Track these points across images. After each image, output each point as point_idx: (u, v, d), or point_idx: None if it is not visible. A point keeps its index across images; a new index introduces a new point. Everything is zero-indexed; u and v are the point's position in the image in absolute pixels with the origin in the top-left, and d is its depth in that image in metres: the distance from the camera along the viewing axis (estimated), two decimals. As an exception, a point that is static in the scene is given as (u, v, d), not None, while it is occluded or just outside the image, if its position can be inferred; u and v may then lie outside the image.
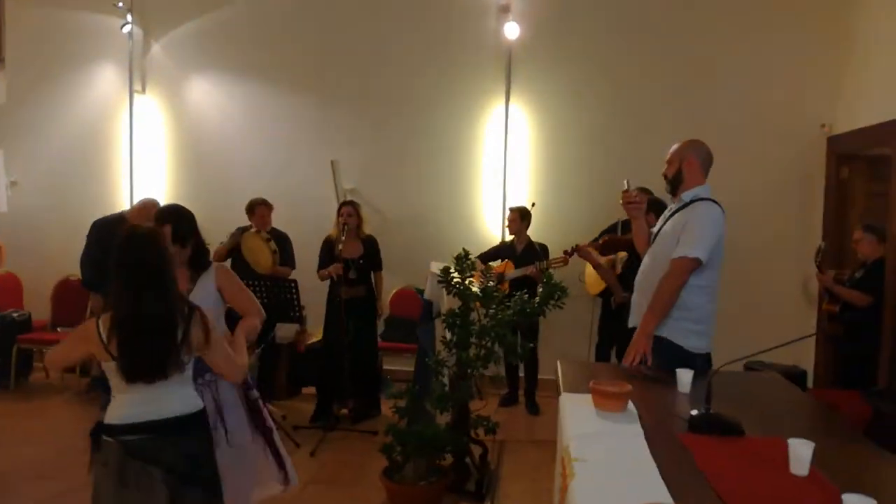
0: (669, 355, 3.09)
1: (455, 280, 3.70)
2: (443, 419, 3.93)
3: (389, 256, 6.33)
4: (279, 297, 4.92)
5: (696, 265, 3.08)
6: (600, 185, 5.86)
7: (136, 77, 6.89)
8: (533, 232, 6.00)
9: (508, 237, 6.17)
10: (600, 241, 5.28)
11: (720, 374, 2.54)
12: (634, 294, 3.37)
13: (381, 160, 6.63)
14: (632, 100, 6.26)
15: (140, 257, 2.32)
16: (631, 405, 2.51)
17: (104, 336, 2.28)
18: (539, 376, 6.11)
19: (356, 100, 6.63)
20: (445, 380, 3.69)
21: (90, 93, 6.98)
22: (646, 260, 3.35)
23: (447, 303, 3.90)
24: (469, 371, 3.62)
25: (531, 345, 3.81)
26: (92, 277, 5.45)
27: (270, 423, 3.15)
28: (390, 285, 6.43)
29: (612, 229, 5.75)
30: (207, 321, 2.41)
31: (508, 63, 6.41)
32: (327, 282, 5.39)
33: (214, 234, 5.85)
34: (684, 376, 2.81)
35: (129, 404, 2.33)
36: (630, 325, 3.35)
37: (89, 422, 2.44)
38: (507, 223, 5.99)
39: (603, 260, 5.31)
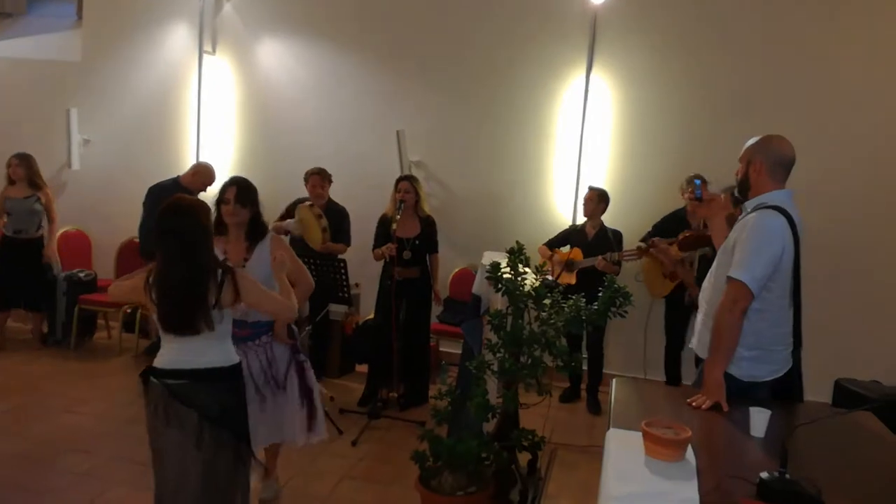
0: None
1: (505, 277, 3.32)
2: (489, 424, 3.61)
3: (453, 234, 6.03)
4: (328, 275, 4.67)
5: (746, 291, 2.62)
6: (682, 171, 5.29)
7: (207, 37, 6.74)
8: (608, 217, 5.53)
9: (580, 220, 5.72)
10: (680, 238, 4.76)
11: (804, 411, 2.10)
12: (699, 312, 2.93)
13: (450, 132, 6.25)
14: (724, 82, 5.62)
15: (174, 227, 2.57)
16: (690, 452, 2.10)
17: (149, 289, 2.60)
18: (604, 370, 5.69)
19: (427, 67, 6.25)
20: (487, 387, 3.34)
21: (162, 53, 6.88)
22: (708, 275, 2.90)
23: (495, 300, 3.53)
24: (513, 381, 3.26)
25: (581, 356, 3.37)
26: (148, 246, 5.38)
27: (313, 382, 3.52)
28: (452, 265, 6.11)
29: (674, 219, 5.22)
30: (238, 280, 2.62)
31: (593, 28, 5.86)
32: (383, 261, 5.12)
33: (279, 198, 5.68)
34: (758, 418, 2.37)
35: (173, 351, 2.63)
36: (691, 345, 2.94)
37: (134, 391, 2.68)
38: (583, 202, 5.52)
39: (678, 256, 4.81)
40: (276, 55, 6.63)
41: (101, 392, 5.13)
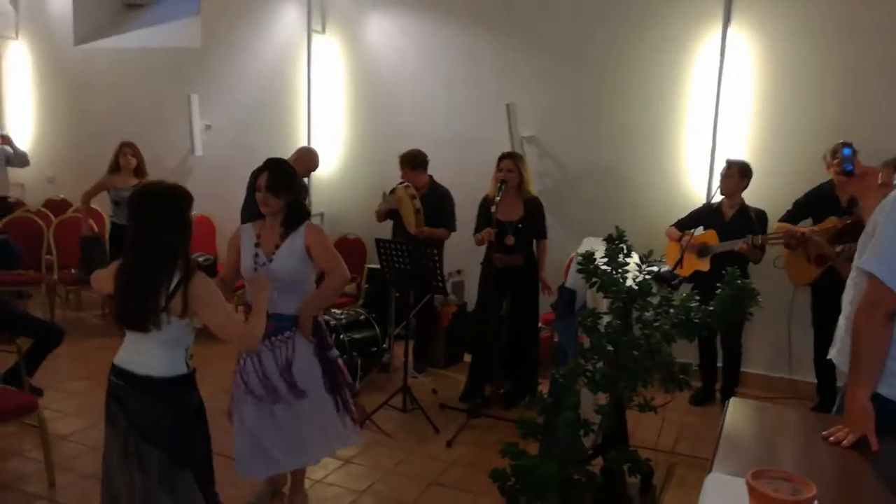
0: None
1: (601, 269, 2.80)
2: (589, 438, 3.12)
3: (569, 216, 5.51)
4: (420, 263, 4.34)
5: (886, 289, 1.97)
6: (836, 140, 4.44)
7: (316, 16, 6.59)
8: (748, 194, 4.78)
9: (716, 198, 4.99)
10: (840, 226, 3.97)
11: None
12: (841, 316, 2.29)
13: (566, 103, 5.69)
14: (887, 34, 4.66)
15: (136, 212, 2.37)
16: (815, 518, 1.55)
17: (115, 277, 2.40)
18: (742, 369, 4.98)
19: (540, 34, 5.72)
20: (581, 398, 2.86)
21: (273, 34, 6.83)
22: (852, 269, 2.25)
23: (591, 297, 3.03)
24: (614, 395, 2.75)
25: (695, 368, 2.77)
26: None
27: (346, 379, 3.21)
28: (568, 250, 5.57)
29: (820, 194, 4.40)
30: (192, 289, 2.33)
31: (731, -25, 5.08)
32: (486, 247, 4.71)
33: (387, 180, 5.43)
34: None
35: (123, 349, 2.44)
36: (829, 356, 2.32)
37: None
38: (721, 179, 4.79)
39: (834, 249, 4.03)
40: (384, 31, 6.36)
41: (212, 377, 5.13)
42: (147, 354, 2.38)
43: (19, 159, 7.03)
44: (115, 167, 6.02)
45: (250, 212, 5.19)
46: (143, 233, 2.36)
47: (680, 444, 4.27)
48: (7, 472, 3.70)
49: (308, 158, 5.50)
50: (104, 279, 2.50)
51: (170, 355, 2.40)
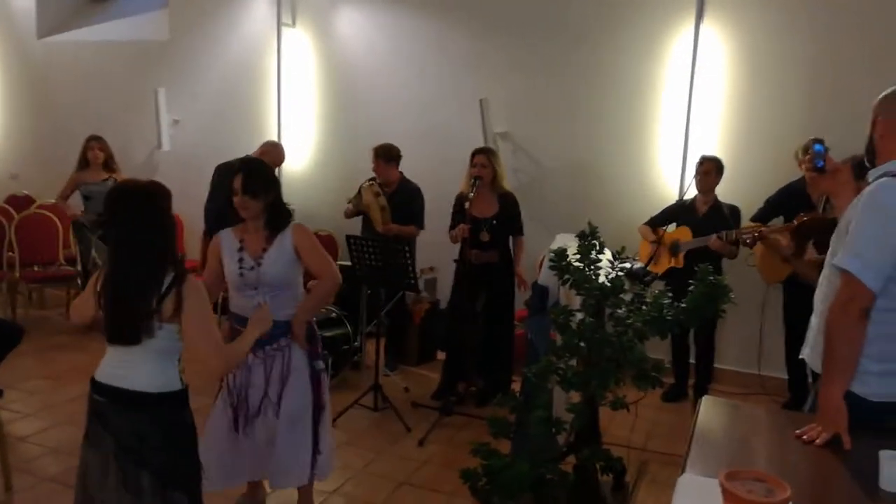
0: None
1: (573, 266, 2.77)
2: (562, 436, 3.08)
3: (543, 212, 5.47)
4: (392, 261, 4.27)
5: (861, 285, 1.95)
6: (807, 135, 4.46)
7: (286, 9, 6.47)
8: (720, 190, 4.78)
9: (688, 194, 4.98)
10: (795, 223, 3.97)
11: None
12: (813, 315, 2.27)
13: (538, 99, 5.65)
14: (859, 30, 4.69)
15: (115, 213, 2.22)
16: (788, 519, 1.52)
17: (98, 289, 2.24)
18: (716, 365, 4.99)
19: (513, 28, 5.67)
20: (553, 397, 2.82)
21: (242, 27, 6.70)
22: (824, 267, 2.24)
23: (564, 294, 2.99)
24: (586, 393, 2.71)
25: (667, 366, 2.74)
26: (213, 226, 5.16)
27: (325, 399, 3.08)
28: (542, 246, 5.53)
29: (790, 192, 4.42)
30: (185, 291, 2.18)
31: (703, -31, 5.08)
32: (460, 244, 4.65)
33: (360, 175, 5.33)
34: (893, 466, 1.73)
35: (106, 363, 2.27)
36: (802, 356, 2.30)
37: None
38: (698, 176, 4.75)
39: (790, 249, 4.03)
40: (355, 24, 6.27)
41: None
42: (136, 368, 2.20)
43: None
44: (83, 162, 5.90)
45: (214, 209, 5.12)
46: (123, 235, 2.19)
47: (652, 441, 4.26)
48: (-38, 476, 3.57)
49: (274, 153, 5.36)
50: (82, 303, 2.36)
51: (162, 368, 2.23)
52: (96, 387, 2.24)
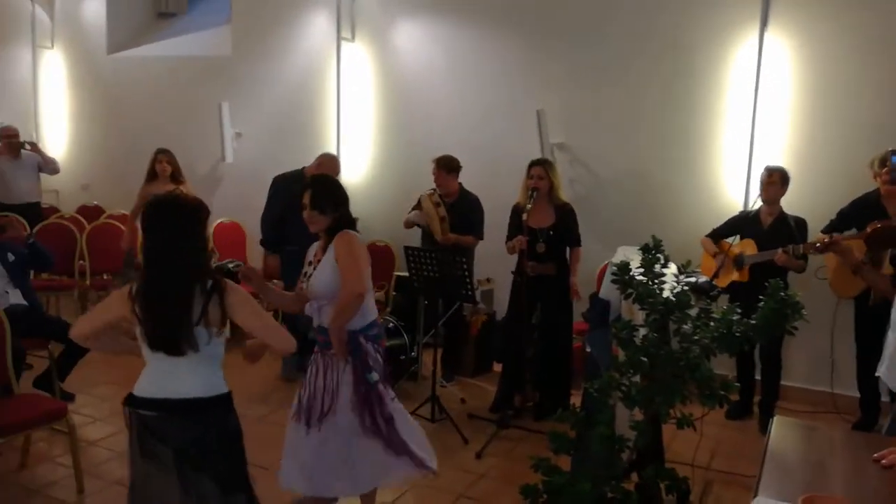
0: None
1: (636, 280, 2.71)
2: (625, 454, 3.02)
3: (601, 224, 5.42)
4: (449, 272, 4.28)
5: None
6: (879, 146, 4.30)
7: (346, 24, 6.58)
8: (786, 202, 4.64)
9: (754, 206, 4.84)
10: (868, 231, 3.81)
11: None
12: (890, 329, 2.18)
13: (597, 110, 5.60)
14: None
15: (158, 224, 2.28)
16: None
17: (133, 300, 2.25)
18: (783, 382, 4.83)
19: (572, 39, 5.64)
20: (616, 413, 2.77)
21: (303, 42, 6.84)
22: None
23: (627, 308, 2.94)
24: (650, 410, 2.65)
25: (737, 384, 2.64)
26: (269, 236, 5.25)
27: (388, 410, 2.98)
28: (600, 258, 5.47)
29: (865, 204, 4.24)
30: (227, 296, 2.24)
31: (767, -21, 4.96)
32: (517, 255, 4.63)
33: (417, 187, 5.35)
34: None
35: (149, 377, 2.30)
36: (878, 373, 2.21)
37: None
38: (763, 186, 4.59)
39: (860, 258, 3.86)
40: (413, 38, 6.33)
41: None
42: (185, 376, 2.25)
43: (49, 166, 7.11)
44: (152, 175, 6.07)
45: (270, 219, 5.20)
46: (159, 245, 2.26)
47: (717, 460, 4.14)
48: (37, 478, 3.71)
49: (329, 165, 5.35)
50: (100, 312, 2.38)
51: (209, 373, 2.30)
52: (141, 403, 2.26)
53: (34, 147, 7.10)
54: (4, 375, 3.66)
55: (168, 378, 2.25)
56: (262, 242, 5.36)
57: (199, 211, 2.31)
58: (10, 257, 4.51)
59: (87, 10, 8.16)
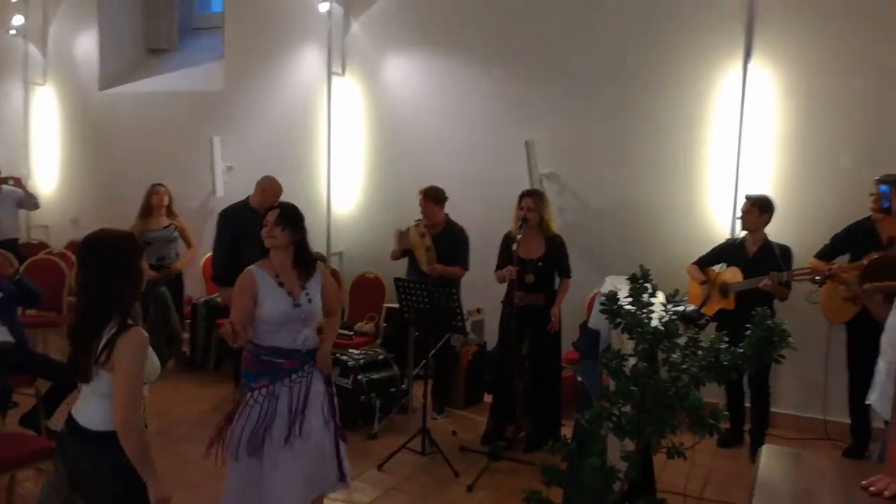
0: None
1: (625, 309, 2.73)
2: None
3: (590, 253, 5.46)
4: (439, 303, 4.28)
5: None
6: (868, 174, 4.36)
7: (336, 58, 6.66)
8: (772, 230, 4.69)
9: (739, 234, 4.91)
10: (866, 263, 3.86)
11: None
12: (880, 358, 2.19)
13: (585, 140, 5.67)
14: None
15: (81, 259, 2.39)
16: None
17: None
18: (774, 409, 4.83)
19: (559, 69, 5.74)
20: (608, 444, 2.76)
21: (294, 77, 6.90)
22: (893, 310, 2.16)
23: (616, 338, 2.95)
24: (641, 440, 2.65)
25: (726, 413, 2.66)
26: (219, 273, 5.20)
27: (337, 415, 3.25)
28: (590, 287, 5.49)
29: (860, 230, 4.29)
30: (121, 346, 2.26)
31: (751, 9, 5.06)
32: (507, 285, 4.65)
33: (409, 218, 5.36)
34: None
35: (78, 398, 2.42)
36: (868, 401, 2.21)
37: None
38: (742, 215, 4.72)
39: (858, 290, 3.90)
40: (402, 71, 6.42)
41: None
42: (88, 404, 2.35)
43: (29, 201, 7.08)
44: (146, 210, 6.06)
45: (221, 254, 5.24)
46: (86, 279, 2.35)
47: (708, 489, 4.12)
48: (22, 518, 3.65)
49: (271, 189, 5.37)
50: None
51: (105, 409, 2.30)
52: (68, 415, 2.42)
53: (17, 182, 7.05)
54: (-10, 413, 3.63)
55: (82, 402, 2.39)
56: (213, 279, 5.39)
57: (128, 250, 2.39)
58: (-1, 294, 4.49)
59: (79, 46, 8.22)
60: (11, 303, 4.55)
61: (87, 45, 8.14)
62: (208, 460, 3.09)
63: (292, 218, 3.10)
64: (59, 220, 8.28)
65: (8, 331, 4.41)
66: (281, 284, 3.06)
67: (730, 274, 4.68)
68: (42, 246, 7.50)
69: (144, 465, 2.30)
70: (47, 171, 8.53)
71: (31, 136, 8.60)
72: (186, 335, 6.40)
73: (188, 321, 6.41)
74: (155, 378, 2.45)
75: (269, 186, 5.36)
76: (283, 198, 6.27)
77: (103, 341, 2.27)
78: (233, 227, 5.14)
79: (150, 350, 2.40)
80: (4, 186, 6.90)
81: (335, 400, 3.24)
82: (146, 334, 2.36)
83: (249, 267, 3.11)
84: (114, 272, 2.33)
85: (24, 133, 8.59)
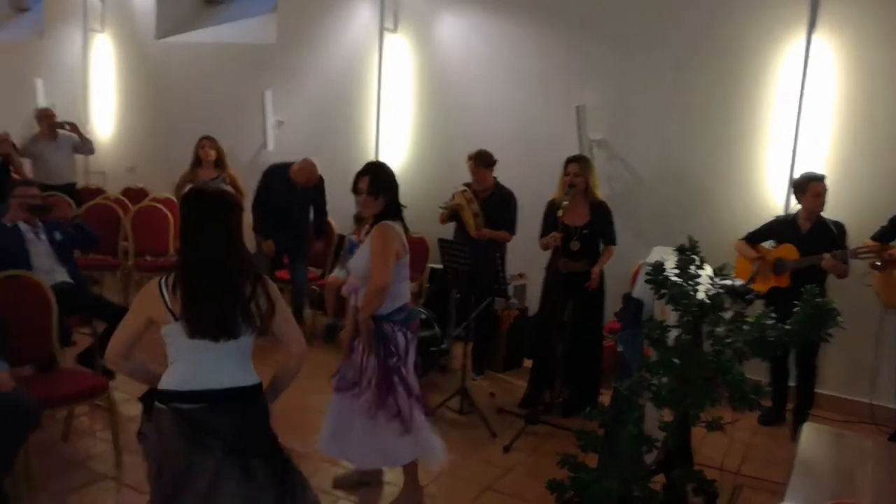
0: None
1: (671, 280, 2.71)
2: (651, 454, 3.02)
3: (638, 222, 5.40)
4: (482, 266, 4.30)
5: None
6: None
7: (389, 15, 6.61)
8: (826, 207, 4.56)
9: (793, 210, 4.79)
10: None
11: None
12: None
13: (638, 108, 5.56)
14: None
15: (216, 213, 2.29)
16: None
17: (167, 293, 2.25)
18: (819, 390, 4.76)
19: (611, 36, 5.60)
20: (645, 413, 2.76)
21: (346, 32, 6.88)
22: None
23: (660, 309, 2.93)
24: (679, 411, 2.65)
25: (768, 389, 2.64)
26: (258, 222, 5.72)
27: (410, 394, 3.22)
28: (635, 257, 5.43)
29: None
30: (271, 291, 2.33)
31: (816, -20, 4.86)
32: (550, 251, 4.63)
33: (453, 180, 5.37)
34: None
35: (186, 371, 2.26)
36: None
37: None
38: (817, 197, 4.46)
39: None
40: (454, 30, 6.34)
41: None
42: (223, 367, 2.27)
43: (85, 147, 7.24)
44: (196, 161, 6.24)
45: (258, 212, 5.70)
46: (227, 230, 2.29)
47: (746, 465, 4.10)
48: (78, 451, 3.85)
49: (306, 171, 5.83)
50: (129, 329, 2.34)
51: (244, 363, 2.34)
52: (179, 396, 2.24)
53: (73, 127, 7.20)
54: (50, 350, 3.79)
55: (209, 370, 2.25)
56: (253, 228, 5.79)
57: (237, 206, 2.38)
58: (58, 236, 4.65)
59: (137, -5, 8.34)
60: (70, 245, 4.72)
61: (145, -7, 8.25)
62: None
63: (383, 183, 3.16)
64: (116, 166, 8.51)
65: (67, 272, 4.58)
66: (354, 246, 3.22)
67: (784, 250, 4.58)
68: (99, 191, 7.71)
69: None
70: (105, 117, 8.74)
71: (90, 82, 8.80)
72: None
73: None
74: None
75: (305, 168, 5.81)
76: (332, 154, 6.39)
77: (247, 295, 2.25)
78: (273, 182, 5.86)
79: None
80: (61, 132, 7.06)
81: (395, 387, 3.22)
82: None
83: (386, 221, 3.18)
84: (230, 218, 2.32)
85: (82, 79, 8.79)
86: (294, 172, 5.81)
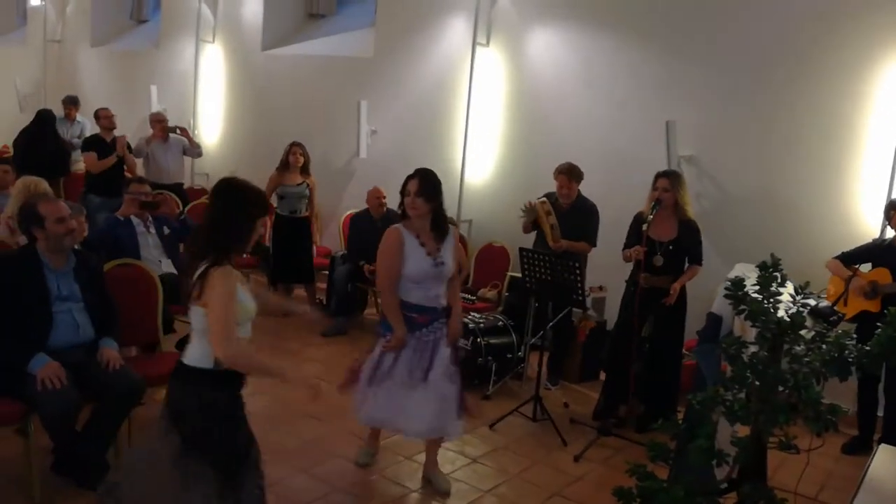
0: None
1: (751, 297, 2.70)
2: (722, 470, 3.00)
3: (725, 240, 5.33)
4: (561, 276, 4.36)
5: None
6: None
7: (482, 29, 6.77)
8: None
9: (887, 234, 4.63)
10: None
11: None
12: None
13: (729, 124, 5.49)
14: None
15: (210, 195, 2.61)
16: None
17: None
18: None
19: (704, 51, 5.56)
20: (719, 427, 2.75)
21: (440, 46, 7.09)
22: None
23: (739, 325, 2.92)
24: (754, 429, 2.63)
25: (845, 409, 2.58)
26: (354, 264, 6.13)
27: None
28: (722, 274, 5.34)
29: None
30: (210, 279, 2.37)
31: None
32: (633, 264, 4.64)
33: (538, 192, 5.43)
34: None
35: None
36: None
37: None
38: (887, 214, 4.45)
39: None
40: (546, 44, 6.43)
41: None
42: (192, 341, 2.51)
43: (194, 150, 7.73)
44: (284, 165, 6.54)
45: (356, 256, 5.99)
46: (205, 215, 2.54)
47: (824, 493, 3.99)
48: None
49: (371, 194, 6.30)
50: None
51: (200, 345, 2.45)
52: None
53: (183, 131, 7.70)
54: (154, 334, 4.10)
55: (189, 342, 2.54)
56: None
57: (252, 202, 2.52)
58: (166, 230, 5.03)
59: (246, 9, 8.82)
60: (177, 239, 5.08)
61: (253, 7, 8.72)
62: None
63: (431, 188, 3.37)
64: (220, 169, 8.96)
65: (171, 263, 4.93)
66: (423, 244, 3.36)
67: (877, 274, 4.44)
68: (203, 192, 8.19)
69: (262, 373, 2.60)
70: (211, 123, 9.28)
71: (199, 89, 9.36)
72: (322, 285, 6.81)
73: (325, 271, 6.82)
74: (247, 320, 2.53)
75: (371, 192, 6.32)
76: (421, 163, 6.50)
77: (196, 276, 2.40)
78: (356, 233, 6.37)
79: (245, 293, 2.52)
80: (172, 135, 7.57)
81: (459, 355, 3.53)
82: (237, 272, 2.46)
83: (396, 225, 3.46)
84: (228, 216, 2.45)
85: (192, 87, 9.36)
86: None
